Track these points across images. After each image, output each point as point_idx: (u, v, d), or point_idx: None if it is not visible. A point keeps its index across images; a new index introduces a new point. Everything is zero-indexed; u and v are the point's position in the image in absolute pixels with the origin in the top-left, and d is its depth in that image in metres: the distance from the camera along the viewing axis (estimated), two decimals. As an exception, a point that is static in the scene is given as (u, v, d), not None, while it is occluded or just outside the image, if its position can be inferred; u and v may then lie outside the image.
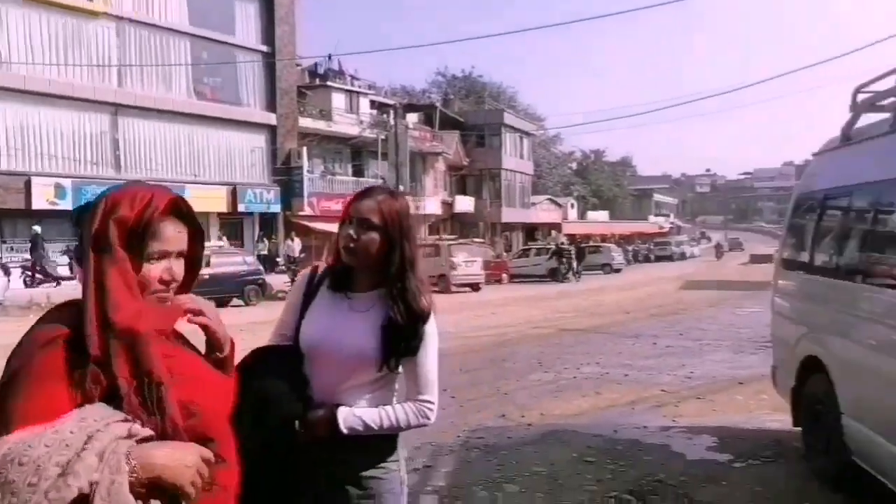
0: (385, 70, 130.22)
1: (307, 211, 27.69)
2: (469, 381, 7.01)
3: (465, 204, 40.99)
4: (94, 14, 21.46)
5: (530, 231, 48.88)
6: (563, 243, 41.07)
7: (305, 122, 28.67)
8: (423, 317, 1.73)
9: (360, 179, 32.01)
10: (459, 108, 47.48)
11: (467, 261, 21.95)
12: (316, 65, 35.68)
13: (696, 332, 10.95)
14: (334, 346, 1.70)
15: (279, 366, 1.70)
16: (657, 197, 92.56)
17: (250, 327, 12.44)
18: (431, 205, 36.82)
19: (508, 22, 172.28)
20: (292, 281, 20.46)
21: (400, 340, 1.69)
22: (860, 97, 4.13)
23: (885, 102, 3.98)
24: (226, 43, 25.39)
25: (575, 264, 29.13)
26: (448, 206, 39.25)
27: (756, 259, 43.45)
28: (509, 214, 44.32)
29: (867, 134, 4.03)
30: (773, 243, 70.60)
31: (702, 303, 16.43)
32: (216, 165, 25.14)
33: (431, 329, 1.76)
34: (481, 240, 31.32)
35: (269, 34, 26.78)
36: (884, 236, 3.72)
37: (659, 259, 52.20)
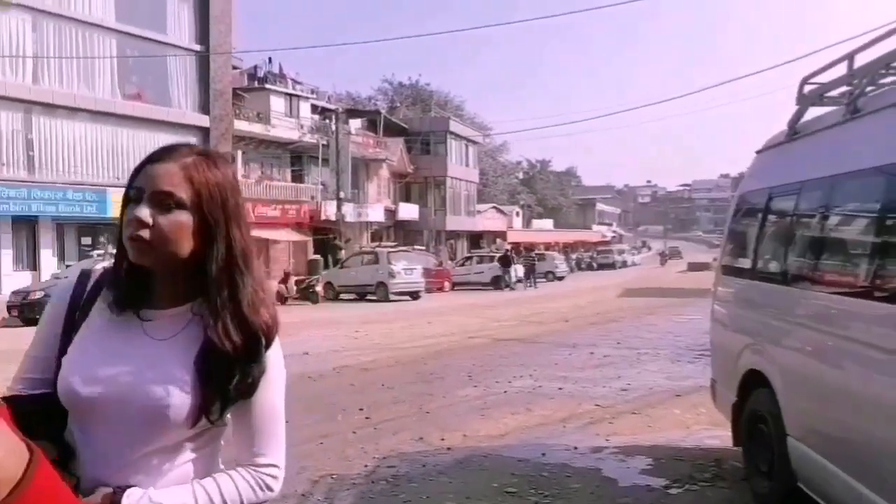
0: (330, 77, 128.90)
1: (241, 217, 26.52)
2: (390, 399, 6.41)
3: (409, 211, 40.41)
4: (6, 5, 19.95)
5: (475, 239, 48.68)
6: (508, 250, 41.11)
7: (242, 126, 27.58)
8: (261, 339, 1.12)
9: (300, 185, 31.10)
10: (405, 116, 47.00)
11: (407, 268, 21.34)
12: (255, 67, 34.58)
13: (635, 341, 10.66)
14: (118, 397, 1.08)
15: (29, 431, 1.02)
16: (600, 206, 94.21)
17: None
18: (375, 212, 36.11)
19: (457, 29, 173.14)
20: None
21: (226, 378, 1.09)
22: (807, 88, 3.77)
23: (834, 93, 3.62)
24: (156, 41, 24.11)
25: (517, 272, 28.91)
26: (392, 213, 38.58)
27: (694, 267, 44.41)
28: (454, 222, 43.97)
29: (816, 126, 3.66)
30: (710, 252, 72.98)
31: (641, 310, 16.30)
32: (143, 169, 23.73)
33: (276, 358, 1.16)
34: (422, 247, 30.75)
35: (203, 33, 25.63)
36: (834, 237, 3.33)
37: (601, 267, 52.85)
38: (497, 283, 27.74)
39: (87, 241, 22.25)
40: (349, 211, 33.58)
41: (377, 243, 25.20)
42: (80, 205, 21.47)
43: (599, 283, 32.08)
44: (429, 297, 22.14)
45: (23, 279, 19.65)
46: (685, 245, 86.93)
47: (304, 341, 10.44)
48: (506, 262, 29.25)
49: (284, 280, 21.06)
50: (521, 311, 16.46)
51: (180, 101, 25.19)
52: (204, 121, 25.56)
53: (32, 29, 20.71)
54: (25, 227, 20.96)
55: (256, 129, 28.23)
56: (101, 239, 21.51)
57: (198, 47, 25.52)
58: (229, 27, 26.70)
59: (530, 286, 28.94)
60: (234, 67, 33.51)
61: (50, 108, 21.11)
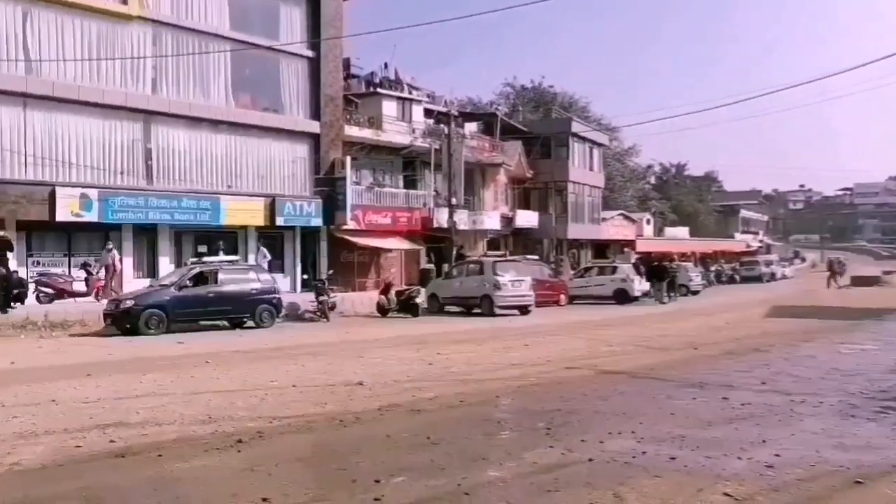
0: (450, 82, 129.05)
1: (351, 225, 26.05)
2: (425, 463, 4.69)
3: (527, 218, 38.43)
4: (128, 18, 20.70)
5: (601, 248, 45.64)
6: (662, 261, 36.91)
7: (352, 131, 27.15)
8: None
9: (412, 192, 30.26)
10: (524, 118, 45.13)
11: (514, 280, 19.47)
12: (372, 74, 34.42)
13: (786, 381, 8.14)
14: None
15: None
16: (744, 213, 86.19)
17: (253, 355, 10.59)
18: (490, 219, 34.55)
19: (587, 31, 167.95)
20: (318, 300, 18.72)
21: None
22: None
23: None
24: (269, 48, 24.23)
25: (641, 284, 26.01)
26: (509, 220, 36.80)
27: (860, 281, 38.46)
28: (577, 230, 41.36)
29: None
30: (877, 264, 64.09)
31: (794, 335, 13.31)
32: (254, 176, 23.89)
33: None
34: (535, 256, 28.66)
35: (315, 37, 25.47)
36: None
37: (745, 280, 47.62)
38: (619, 297, 25.06)
39: (202, 248, 22.55)
40: (463, 218, 32.26)
41: (484, 252, 23.55)
42: (195, 213, 21.80)
43: (742, 298, 28.24)
44: (540, 313, 20.13)
45: (143, 286, 20.17)
46: (846, 256, 77.26)
47: (370, 366, 9.03)
48: (659, 273, 26.32)
49: (386, 290, 20.01)
50: (642, 332, 14.06)
51: (292, 108, 25.15)
52: (314, 127, 25.35)
53: (152, 39, 21.36)
54: (145, 235, 21.61)
55: (367, 134, 27.70)
56: (202, 248, 21.62)
57: (310, 53, 25.39)
58: (340, 31, 26.41)
59: (669, 299, 25.96)
60: (353, 75, 33.61)
61: (167, 117, 21.65)
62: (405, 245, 28.89)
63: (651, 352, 10.75)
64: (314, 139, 25.52)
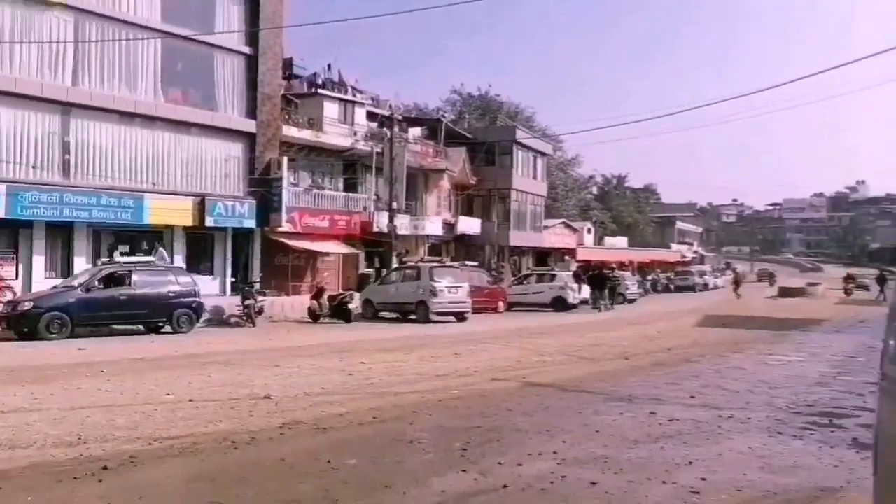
0: (396, 88, 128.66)
1: (286, 227, 25.14)
2: (317, 495, 4.14)
3: (469, 225, 38.22)
4: (48, 4, 19.34)
5: (542, 256, 45.90)
6: (579, 267, 37.98)
7: (291, 132, 26.28)
8: None
9: (352, 195, 29.52)
10: (470, 126, 45.03)
11: (451, 286, 19.09)
12: (315, 75, 33.50)
13: (715, 394, 7.96)
14: None
15: None
16: (680, 225, 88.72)
17: (158, 363, 9.72)
18: (432, 225, 34.12)
19: (533, 40, 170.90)
20: (244, 304, 17.85)
21: None
22: None
23: None
24: (203, 42, 23.16)
25: (581, 291, 26.18)
26: (451, 226, 36.47)
27: (786, 292, 39.97)
28: (519, 238, 41.44)
29: None
30: (802, 276, 66.91)
31: (723, 345, 13.37)
32: (183, 175, 22.72)
33: None
34: (474, 263, 28.41)
35: (252, 35, 24.52)
36: None
37: (680, 289, 48.88)
38: (557, 304, 25.03)
39: (124, 248, 21.24)
40: (404, 223, 31.74)
41: (421, 257, 23.10)
42: (116, 211, 20.52)
43: (675, 307, 28.74)
44: (477, 320, 19.80)
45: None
46: (774, 268, 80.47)
47: (284, 376, 8.40)
48: (600, 281, 26.58)
49: (317, 295, 19.30)
50: (576, 340, 13.86)
51: (226, 105, 24.11)
52: (250, 126, 24.37)
53: (74, 28, 20.04)
54: (60, 233, 20.20)
55: (306, 135, 26.87)
56: (123, 248, 20.32)
57: (246, 49, 24.43)
58: (280, 29, 25.53)
59: (608, 308, 26.13)
60: (296, 76, 32.65)
61: (88, 109, 20.33)
62: (343, 249, 28.14)
63: (582, 362, 10.49)
64: (249, 138, 24.54)
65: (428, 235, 34.41)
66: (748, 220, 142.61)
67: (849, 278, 40.97)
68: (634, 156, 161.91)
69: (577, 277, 30.81)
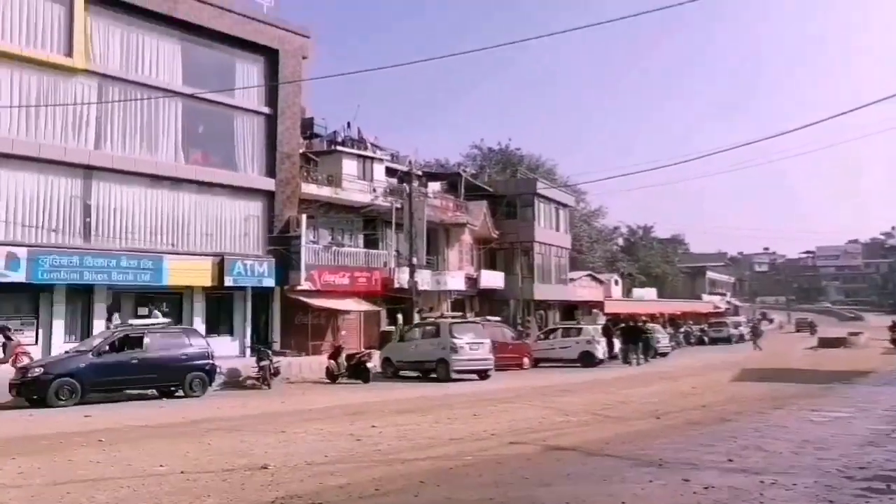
0: (416, 144, 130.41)
1: (306, 286, 24.93)
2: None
3: (492, 279, 37.69)
4: (72, 71, 19.95)
5: (569, 309, 45.02)
6: (609, 320, 37.06)
7: (310, 189, 26.40)
8: None
9: (372, 251, 29.36)
10: (490, 179, 45.13)
11: (473, 343, 18.46)
12: (334, 133, 34.01)
13: (755, 457, 7.21)
14: None
15: None
16: (711, 275, 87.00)
17: (160, 431, 9.27)
18: (455, 280, 33.70)
19: (554, 101, 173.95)
20: (259, 365, 17.42)
21: None
22: None
23: None
24: (223, 104, 23.64)
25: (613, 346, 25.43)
26: (473, 281, 35.99)
27: (827, 343, 38.29)
28: (544, 291, 40.71)
29: None
30: (841, 325, 64.44)
31: (763, 401, 12.48)
32: (202, 235, 22.79)
33: None
34: (497, 318, 27.74)
35: (272, 95, 25.03)
36: None
37: (714, 342, 47.26)
38: (585, 359, 24.12)
39: (143, 311, 21.18)
40: (426, 279, 31.39)
41: (441, 313, 22.58)
42: (135, 273, 20.54)
43: (710, 360, 27.58)
44: (500, 377, 19.06)
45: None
46: (812, 318, 77.96)
47: (288, 443, 7.87)
48: (634, 334, 26.10)
49: (335, 355, 18.80)
50: (603, 398, 13.08)
51: (246, 165, 24.39)
52: (269, 184, 24.55)
53: (98, 93, 20.58)
54: (81, 297, 20.22)
55: (325, 192, 26.95)
56: (142, 311, 20.24)
57: (266, 110, 24.87)
58: (299, 88, 26.03)
59: (642, 361, 25.47)
60: (316, 135, 33.17)
61: (110, 172, 20.65)
62: (364, 307, 27.76)
63: (609, 422, 9.76)
64: (269, 197, 24.69)
65: (450, 291, 33.97)
66: (781, 269, 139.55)
67: (894, 327, 39.18)
68: (659, 207, 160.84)
69: (607, 331, 29.99)
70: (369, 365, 18.27)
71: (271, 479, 5.93)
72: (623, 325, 29.73)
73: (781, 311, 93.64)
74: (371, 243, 30.15)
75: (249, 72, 24.76)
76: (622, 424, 9.50)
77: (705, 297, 74.96)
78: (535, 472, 6.28)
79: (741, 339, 49.24)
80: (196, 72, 22.89)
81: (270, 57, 25.02)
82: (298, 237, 24.45)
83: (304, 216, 24.94)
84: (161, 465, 6.48)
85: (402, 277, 28.55)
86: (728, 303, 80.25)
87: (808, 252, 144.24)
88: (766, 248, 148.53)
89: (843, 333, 42.79)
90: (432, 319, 19.83)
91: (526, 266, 40.03)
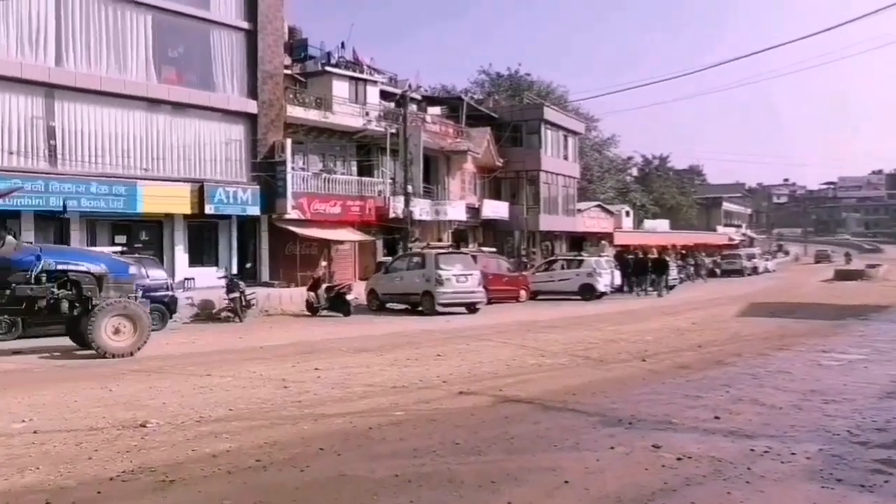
0: (420, 67, 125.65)
1: (293, 214, 23.72)
2: None
3: (496, 209, 36.26)
4: (25, -20, 18.19)
5: (577, 241, 43.65)
6: (619, 252, 35.90)
7: (297, 112, 24.79)
8: None
9: (365, 179, 27.91)
10: (495, 104, 42.92)
11: (461, 275, 17.28)
12: (328, 54, 31.92)
13: (748, 413, 6.00)
14: None
15: None
16: (727, 206, 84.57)
17: (72, 372, 8.26)
18: (455, 210, 32.32)
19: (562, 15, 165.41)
20: (229, 297, 16.45)
21: None
22: None
23: None
24: (197, 17, 21.80)
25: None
26: (476, 211, 34.60)
27: (843, 275, 36.77)
28: (550, 222, 39.27)
29: None
30: (861, 258, 62.61)
31: (768, 339, 11.26)
32: (179, 160, 21.46)
33: None
34: (492, 249, 26.52)
35: (251, 9, 23.07)
36: None
37: (726, 274, 45.95)
38: (585, 292, 22.95)
39: (121, 238, 20.16)
40: (425, 208, 30.10)
41: (426, 243, 21.30)
42: (106, 199, 19.36)
43: (719, 293, 26.36)
44: (491, 311, 18.00)
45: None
46: (830, 250, 76.00)
47: (204, 390, 6.79)
48: (660, 266, 26.78)
49: (314, 287, 17.75)
50: (589, 335, 11.93)
51: (225, 85, 22.73)
52: (251, 106, 22.96)
53: (56, 4, 18.86)
54: (54, 224, 19.18)
55: (314, 115, 25.33)
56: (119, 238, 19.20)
57: (245, 24, 22.97)
58: (280, 1, 23.98)
59: (657, 293, 25.61)
60: (310, 57, 31.14)
61: (74, 91, 19.19)
62: (357, 236, 26.61)
63: (587, 365, 8.59)
64: (251, 120, 23.15)
65: (451, 221, 32.67)
66: (801, 201, 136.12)
67: None
68: (677, 136, 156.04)
69: (622, 262, 29.26)
70: (350, 297, 17.22)
71: (140, 441, 4.83)
72: (632, 257, 28.87)
73: (799, 244, 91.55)
74: (365, 171, 28.68)
75: (225, -19, 22.72)
76: (600, 369, 8.33)
77: (720, 228, 73.12)
78: (470, 436, 5.12)
79: (754, 271, 47.88)
80: (166, -19, 20.97)
81: (248, -35, 22.91)
82: (284, 163, 23.05)
83: (289, 140, 23.46)
84: (24, 421, 5.42)
85: (397, 207, 27.25)
86: (744, 235, 78.34)
87: (829, 183, 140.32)
88: (786, 179, 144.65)
89: (862, 266, 41.21)
90: (418, 250, 18.56)
91: (532, 196, 38.45)
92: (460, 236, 33.87)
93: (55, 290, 9.51)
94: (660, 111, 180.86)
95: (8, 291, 9.21)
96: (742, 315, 16.15)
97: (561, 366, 8.52)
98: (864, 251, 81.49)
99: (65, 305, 9.64)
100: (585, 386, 7.12)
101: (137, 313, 9.58)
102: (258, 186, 22.75)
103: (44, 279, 9.43)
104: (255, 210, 22.81)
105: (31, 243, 11.17)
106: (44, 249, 10.21)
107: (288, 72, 26.87)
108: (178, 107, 21.35)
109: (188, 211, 21.20)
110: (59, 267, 9.62)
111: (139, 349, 9.50)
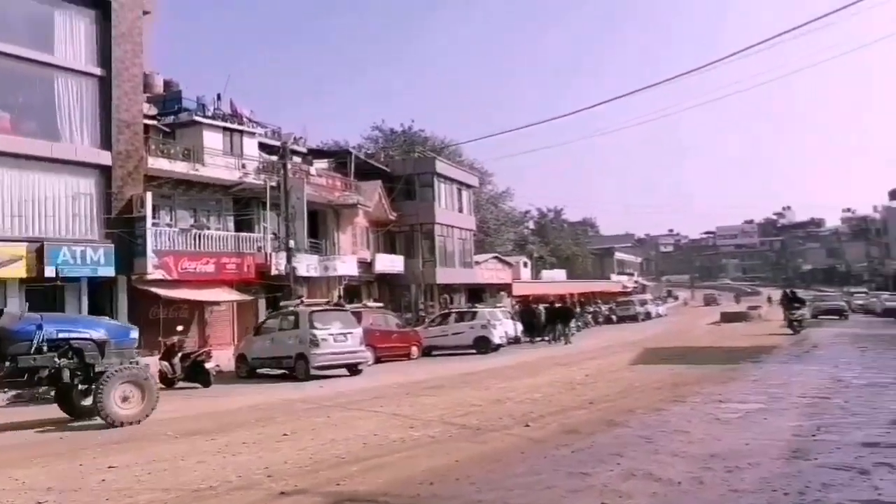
0: (312, 125, 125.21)
1: (157, 274, 21.22)
2: None
3: (390, 263, 34.93)
4: None
5: (476, 293, 42.96)
6: (515, 304, 35.87)
7: (160, 164, 22.58)
8: None
9: (244, 234, 25.77)
10: (386, 158, 42.21)
11: (339, 333, 15.59)
12: (203, 105, 29.97)
13: (643, 493, 4.78)
14: None
15: None
16: (619, 255, 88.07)
17: None
18: (346, 265, 30.59)
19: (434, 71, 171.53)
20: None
21: None
22: None
23: None
24: (38, 62, 19.48)
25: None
26: (368, 265, 33.08)
27: (728, 317, 38.06)
28: (447, 275, 38.32)
29: None
30: (744, 300, 66.14)
31: (662, 390, 10.37)
32: (13, 217, 18.68)
33: None
34: (378, 304, 25.07)
35: (104, 54, 20.97)
36: None
37: (622, 320, 46.80)
38: (480, 346, 21.79)
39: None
40: (313, 264, 28.27)
41: (299, 300, 19.38)
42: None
43: (614, 340, 26.04)
44: (377, 371, 16.38)
45: None
46: (716, 294, 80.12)
47: None
48: (565, 315, 27.52)
49: (167, 355, 15.45)
50: (474, 396, 10.59)
51: (73, 135, 20.29)
52: (104, 157, 20.52)
53: None
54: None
55: (180, 167, 23.18)
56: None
57: (97, 70, 20.80)
58: (138, 47, 22.04)
59: (555, 342, 25.94)
60: (185, 109, 29.08)
61: None
62: (234, 296, 24.26)
63: (460, 438, 7.17)
64: (104, 172, 20.69)
65: (342, 276, 30.90)
66: (685, 249, 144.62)
67: (785, 300, 37.63)
68: (569, 191, 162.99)
69: (528, 312, 29.68)
70: (210, 365, 15.04)
71: None
72: (554, 306, 30.06)
73: (686, 289, 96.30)
74: (244, 226, 26.57)
75: (73, 26, 20.54)
76: (475, 440, 6.95)
77: (614, 277, 75.49)
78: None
79: (647, 316, 49.06)
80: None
81: (102, 9, 20.94)
82: (144, 218, 20.66)
83: (149, 194, 21.12)
84: None
85: (280, 263, 25.27)
86: (636, 282, 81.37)
87: (708, 232, 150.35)
88: (671, 230, 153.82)
89: (744, 308, 43.04)
90: (291, 308, 16.73)
91: (427, 249, 37.51)
92: (353, 292, 32.17)
93: (57, 359, 9.35)
94: (552, 165, 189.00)
95: (9, 363, 9.06)
96: (636, 363, 15.44)
97: (429, 440, 7.06)
98: (746, 294, 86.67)
99: (66, 374, 9.45)
100: (450, 468, 5.69)
101: (145, 380, 9.56)
102: (112, 244, 20.18)
103: (45, 349, 9.28)
104: (108, 271, 20.13)
105: (32, 312, 10.31)
106: (45, 318, 9.90)
107: (153, 122, 24.73)
108: (13, 158, 18.71)
109: (24, 274, 18.33)
110: (61, 336, 9.49)
111: (147, 416, 9.37)
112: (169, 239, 22.47)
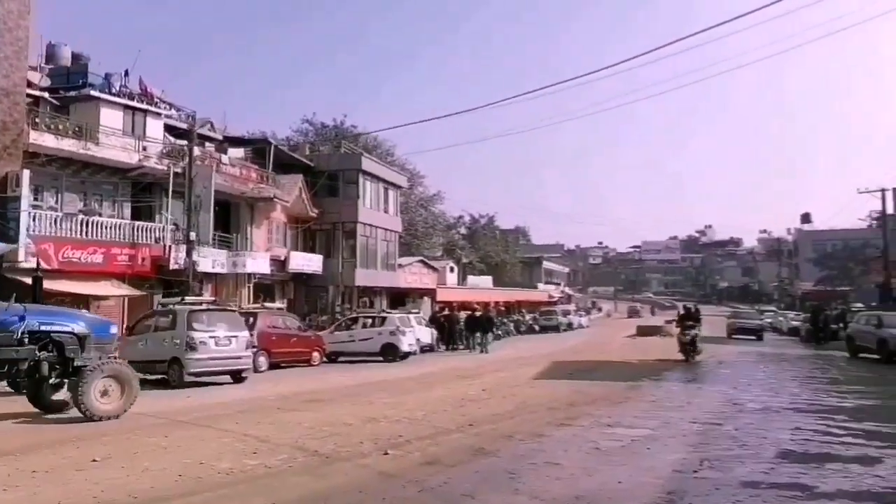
0: (238, 115, 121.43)
1: (31, 262, 19.14)
2: None
3: (306, 262, 33.40)
4: None
5: (399, 297, 41.87)
6: (438, 311, 35.16)
7: (46, 140, 20.51)
8: None
9: (140, 223, 23.81)
10: (311, 151, 40.63)
11: (221, 337, 14.20)
12: (108, 82, 27.74)
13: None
14: None
15: None
16: (548, 265, 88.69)
17: None
18: (257, 262, 28.94)
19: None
20: None
21: None
22: None
23: None
24: None
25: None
26: (282, 263, 31.48)
27: (644, 331, 38.45)
28: (368, 277, 37.05)
29: None
30: (661, 314, 67.80)
31: (555, 410, 9.63)
32: None
33: None
34: (278, 305, 23.71)
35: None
36: None
37: (544, 329, 46.70)
38: (387, 353, 20.75)
39: None
40: (220, 259, 26.55)
41: (195, 298, 17.80)
42: None
43: (530, 351, 25.54)
44: (268, 378, 15.10)
45: None
46: (638, 307, 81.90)
47: None
48: (485, 324, 27.31)
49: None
50: (351, 412, 9.53)
51: (-63, 100, 18.12)
52: (-27, 128, 18.48)
53: None
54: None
55: (68, 145, 21.14)
56: None
57: (-27, 29, 18.69)
58: (27, 7, 19.98)
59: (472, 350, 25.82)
60: (90, 84, 26.77)
61: None
62: (122, 290, 22.31)
63: (302, 470, 6.09)
64: (-26, 144, 18.61)
65: (252, 274, 29.23)
66: (612, 262, 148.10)
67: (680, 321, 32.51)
68: (504, 198, 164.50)
69: (447, 319, 29.06)
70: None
71: None
72: (475, 313, 29.12)
73: (610, 301, 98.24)
74: (145, 214, 24.64)
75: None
76: (318, 473, 5.91)
77: (541, 286, 75.88)
78: None
79: (569, 327, 49.23)
80: None
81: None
82: (17, 199, 18.63)
83: (26, 172, 19.09)
84: None
85: (180, 256, 23.54)
86: (562, 292, 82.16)
87: (635, 247, 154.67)
88: (601, 242, 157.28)
89: (660, 322, 43.66)
90: (170, 307, 15.19)
91: (348, 249, 36.18)
92: (266, 291, 30.51)
93: (37, 352, 9.13)
94: (487, 170, 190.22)
95: None
96: (540, 377, 14.76)
97: (263, 472, 5.96)
98: (664, 308, 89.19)
99: (45, 368, 9.22)
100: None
101: (126, 375, 9.45)
102: (-22, 227, 18.09)
103: (26, 340, 9.01)
104: (-30, 257, 18.01)
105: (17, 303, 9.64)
106: (28, 309, 9.47)
107: (40, 94, 22.53)
108: None
109: None
110: (43, 328, 9.20)
111: (125, 411, 9.28)
112: (51, 224, 20.42)
